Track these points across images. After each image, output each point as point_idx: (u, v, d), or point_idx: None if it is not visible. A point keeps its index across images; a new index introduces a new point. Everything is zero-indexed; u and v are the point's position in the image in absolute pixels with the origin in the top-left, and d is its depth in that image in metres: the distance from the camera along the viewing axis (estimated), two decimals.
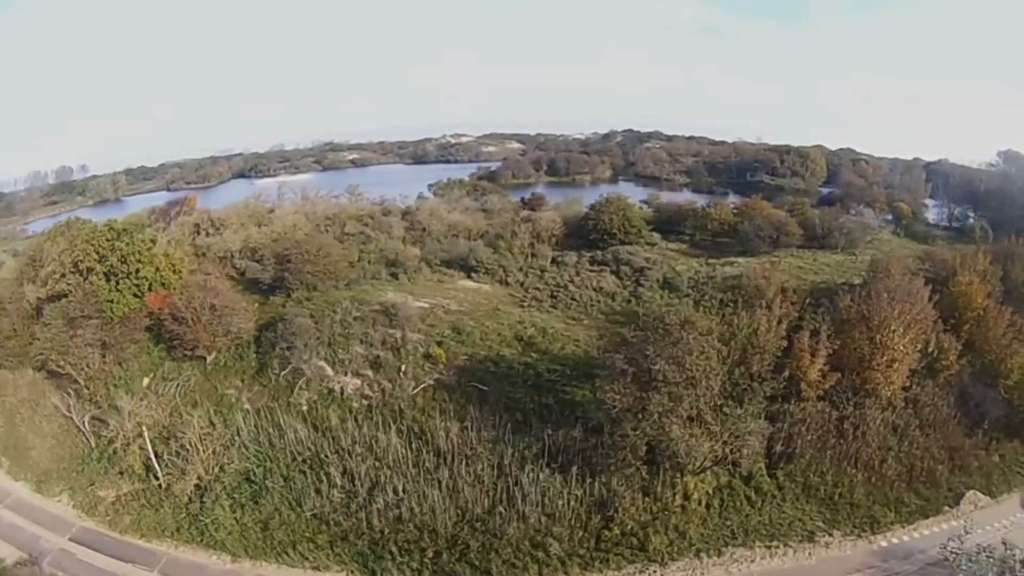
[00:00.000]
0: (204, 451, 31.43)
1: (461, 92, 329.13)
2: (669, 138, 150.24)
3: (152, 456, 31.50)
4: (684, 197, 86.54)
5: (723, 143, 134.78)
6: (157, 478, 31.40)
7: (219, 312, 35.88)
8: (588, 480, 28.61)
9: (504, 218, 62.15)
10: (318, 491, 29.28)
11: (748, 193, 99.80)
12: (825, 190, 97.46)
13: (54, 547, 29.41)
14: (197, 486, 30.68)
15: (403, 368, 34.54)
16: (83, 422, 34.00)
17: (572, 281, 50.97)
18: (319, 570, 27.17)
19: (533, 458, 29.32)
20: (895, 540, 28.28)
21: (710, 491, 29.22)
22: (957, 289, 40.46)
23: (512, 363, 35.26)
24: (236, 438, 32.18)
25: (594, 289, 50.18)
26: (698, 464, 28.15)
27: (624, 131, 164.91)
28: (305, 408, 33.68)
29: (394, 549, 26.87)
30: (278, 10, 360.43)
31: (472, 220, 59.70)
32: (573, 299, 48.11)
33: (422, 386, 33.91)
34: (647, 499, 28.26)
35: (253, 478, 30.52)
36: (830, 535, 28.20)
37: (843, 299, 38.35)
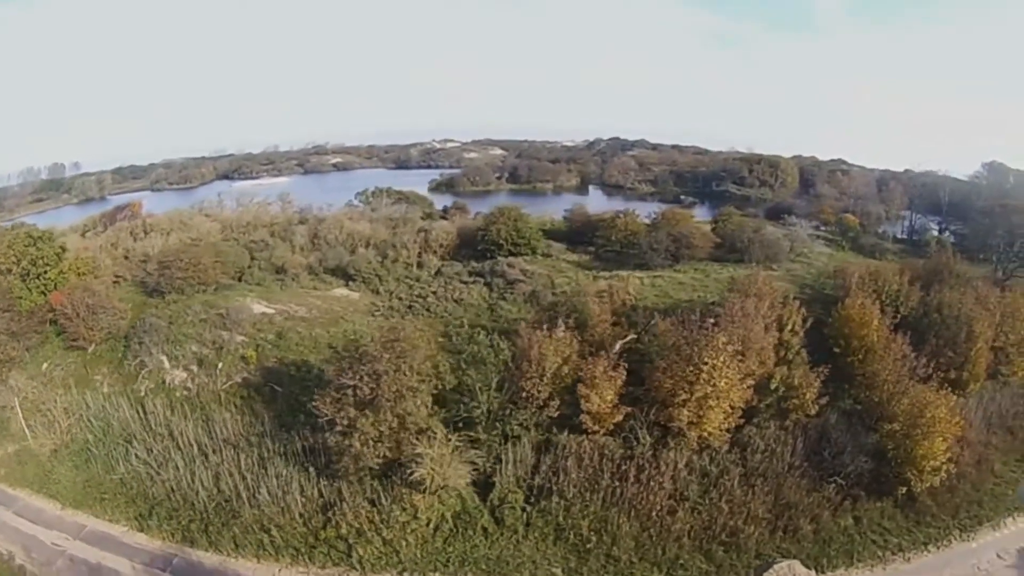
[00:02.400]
0: (64, 423, 40.12)
1: (460, 93, 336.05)
2: (654, 146, 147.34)
3: (24, 424, 40.48)
4: (650, 207, 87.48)
5: (707, 152, 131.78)
6: (27, 441, 40.38)
7: (93, 310, 44.20)
8: (325, 481, 32.03)
9: (408, 228, 67.46)
10: (127, 461, 36.83)
11: (715, 203, 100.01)
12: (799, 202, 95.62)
13: None
14: (54, 450, 39.34)
15: (220, 366, 41.41)
16: None
17: (435, 292, 55.55)
18: (112, 522, 34.57)
19: (287, 454, 34.41)
20: None
21: (447, 514, 29.17)
22: (845, 312, 35.98)
23: (312, 368, 41.16)
24: (86, 414, 40.46)
25: (455, 300, 54.28)
26: (424, 484, 28.82)
27: (610, 139, 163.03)
28: (143, 394, 41.39)
29: (162, 513, 33.66)
30: (278, 14, 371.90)
31: (372, 229, 65.48)
32: (428, 310, 52.44)
33: (230, 383, 40.67)
34: (372, 509, 29.64)
35: (89, 446, 38.61)
36: None
37: (661, 323, 37.58)
